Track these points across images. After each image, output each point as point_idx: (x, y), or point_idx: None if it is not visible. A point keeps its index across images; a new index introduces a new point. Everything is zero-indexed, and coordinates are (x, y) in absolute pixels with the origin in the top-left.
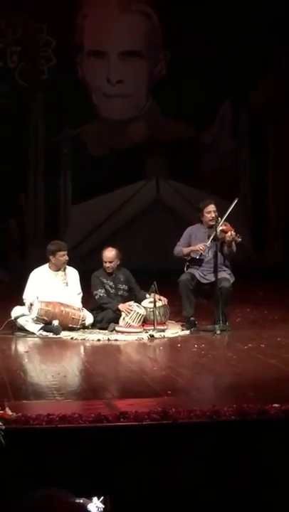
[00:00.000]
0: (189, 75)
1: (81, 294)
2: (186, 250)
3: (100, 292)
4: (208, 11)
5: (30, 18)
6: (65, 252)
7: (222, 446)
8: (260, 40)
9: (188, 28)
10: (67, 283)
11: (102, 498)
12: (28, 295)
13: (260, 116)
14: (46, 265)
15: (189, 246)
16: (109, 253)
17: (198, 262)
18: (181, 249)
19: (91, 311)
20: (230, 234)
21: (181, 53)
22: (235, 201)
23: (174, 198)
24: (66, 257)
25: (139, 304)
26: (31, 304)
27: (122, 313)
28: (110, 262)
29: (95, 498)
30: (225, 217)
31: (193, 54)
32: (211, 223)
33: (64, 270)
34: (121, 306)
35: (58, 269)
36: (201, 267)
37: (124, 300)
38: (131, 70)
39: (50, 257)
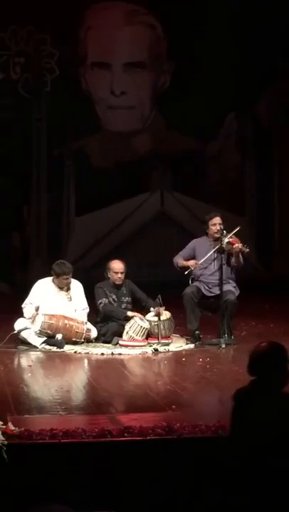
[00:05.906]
0: (194, 87)
1: (87, 310)
2: (180, 263)
3: (105, 300)
4: (213, 23)
5: (34, 30)
6: (69, 276)
7: (227, 462)
8: (265, 52)
9: (192, 40)
10: (70, 297)
11: None
12: (27, 302)
13: (265, 128)
14: (51, 278)
15: (191, 258)
16: (120, 264)
17: (202, 275)
18: (178, 260)
19: (95, 324)
20: (238, 245)
21: (185, 65)
22: (238, 229)
23: (178, 210)
24: (69, 280)
25: (145, 315)
26: (36, 309)
27: (126, 326)
28: (122, 273)
29: None
30: (232, 234)
31: (197, 65)
32: (216, 235)
33: (68, 288)
34: (130, 313)
35: (60, 288)
36: (205, 280)
37: None
38: (135, 82)
39: (54, 277)
